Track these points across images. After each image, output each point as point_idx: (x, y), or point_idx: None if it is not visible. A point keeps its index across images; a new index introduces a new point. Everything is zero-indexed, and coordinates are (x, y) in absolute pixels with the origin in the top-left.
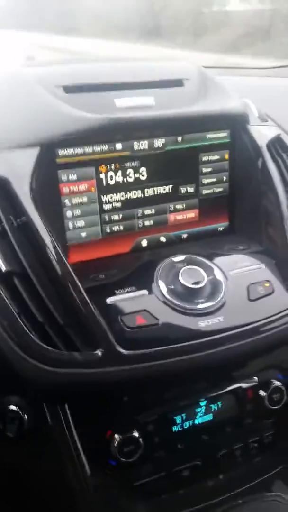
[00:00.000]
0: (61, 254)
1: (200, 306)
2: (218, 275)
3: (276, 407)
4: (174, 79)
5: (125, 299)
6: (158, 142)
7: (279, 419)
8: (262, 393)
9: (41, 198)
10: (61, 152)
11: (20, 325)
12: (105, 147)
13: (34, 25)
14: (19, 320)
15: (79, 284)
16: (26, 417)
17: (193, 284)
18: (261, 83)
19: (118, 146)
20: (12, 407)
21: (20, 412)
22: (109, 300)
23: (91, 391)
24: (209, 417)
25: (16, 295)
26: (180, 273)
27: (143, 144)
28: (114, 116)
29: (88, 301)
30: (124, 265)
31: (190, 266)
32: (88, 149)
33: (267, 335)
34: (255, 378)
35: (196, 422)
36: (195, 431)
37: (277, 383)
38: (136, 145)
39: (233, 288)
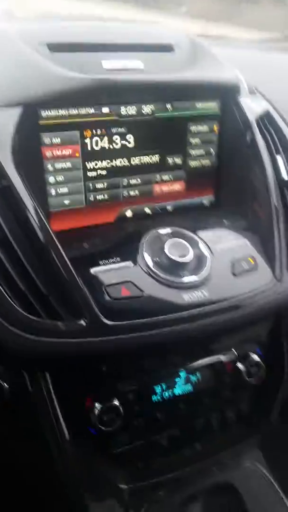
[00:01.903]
0: (44, 221)
1: (184, 279)
2: (203, 249)
3: (253, 380)
4: (164, 44)
5: (109, 270)
6: (147, 108)
7: (256, 391)
8: (240, 366)
9: (23, 161)
10: (44, 113)
11: (1, 293)
12: (91, 110)
13: None
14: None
15: (62, 252)
16: (6, 385)
17: (178, 257)
18: (249, 55)
19: (105, 109)
20: None
21: (0, 381)
22: (93, 270)
23: (73, 360)
24: (188, 387)
25: None
26: (165, 246)
27: (131, 109)
28: (102, 76)
29: (72, 270)
30: (108, 235)
31: (176, 239)
32: (73, 111)
33: (250, 310)
34: (235, 351)
35: (176, 392)
36: (174, 401)
37: (255, 357)
38: (124, 110)
39: (217, 263)
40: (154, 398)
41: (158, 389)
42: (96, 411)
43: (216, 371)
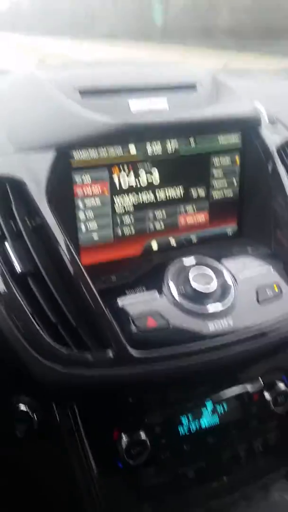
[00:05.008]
0: (75, 255)
1: (209, 308)
2: (228, 277)
3: (280, 409)
4: (187, 83)
5: (136, 301)
6: (171, 145)
7: (283, 421)
8: (267, 395)
9: (55, 199)
10: (76, 154)
11: (34, 325)
12: (119, 150)
13: (40, 29)
14: (32, 320)
15: (91, 285)
16: (35, 417)
17: (203, 286)
18: (272, 84)
19: (132, 148)
20: (22, 407)
21: (30, 412)
22: (120, 301)
23: (100, 391)
24: (215, 419)
25: (30, 296)
26: (190, 276)
27: (156, 147)
28: (129, 120)
29: (101, 302)
30: (135, 268)
31: (200, 269)
32: (103, 152)
33: (275, 337)
34: (261, 380)
35: (202, 423)
36: (201, 433)
37: (281, 385)
38: (149, 148)
39: (242, 291)
40: (181, 430)
41: (184, 420)
42: (123, 444)
43: (243, 401)
